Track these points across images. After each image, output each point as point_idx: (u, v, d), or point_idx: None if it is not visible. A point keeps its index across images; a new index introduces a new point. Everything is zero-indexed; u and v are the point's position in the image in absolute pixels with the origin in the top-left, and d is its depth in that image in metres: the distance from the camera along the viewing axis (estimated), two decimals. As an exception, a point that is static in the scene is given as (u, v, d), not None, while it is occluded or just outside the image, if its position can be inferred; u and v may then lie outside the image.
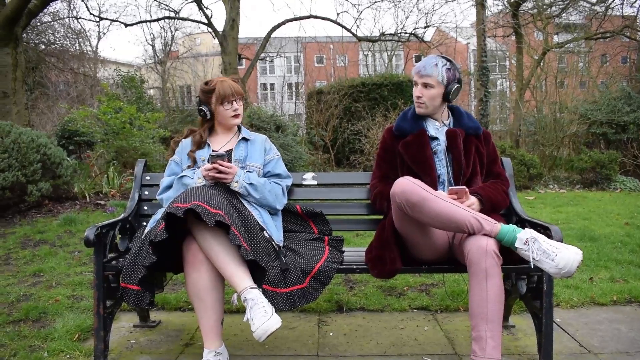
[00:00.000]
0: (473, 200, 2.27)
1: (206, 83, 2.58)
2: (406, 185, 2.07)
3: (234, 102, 2.53)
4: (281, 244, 2.33)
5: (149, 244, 2.04)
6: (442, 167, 2.44)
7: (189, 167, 2.50)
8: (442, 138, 2.48)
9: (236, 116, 2.55)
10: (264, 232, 2.24)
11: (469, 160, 2.45)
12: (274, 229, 2.36)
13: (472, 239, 2.03)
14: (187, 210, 2.02)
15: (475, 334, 1.97)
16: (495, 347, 1.93)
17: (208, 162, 2.32)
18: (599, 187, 8.73)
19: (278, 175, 2.58)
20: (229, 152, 2.54)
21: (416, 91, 2.46)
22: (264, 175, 2.55)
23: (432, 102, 2.44)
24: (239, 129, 2.66)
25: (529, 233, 1.99)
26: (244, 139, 2.61)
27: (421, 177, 2.33)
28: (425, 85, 2.43)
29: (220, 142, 2.60)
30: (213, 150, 2.49)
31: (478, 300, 1.98)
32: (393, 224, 2.26)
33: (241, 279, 2.07)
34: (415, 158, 2.44)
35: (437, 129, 2.51)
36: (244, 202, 2.34)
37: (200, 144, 2.56)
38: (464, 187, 2.25)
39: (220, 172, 2.29)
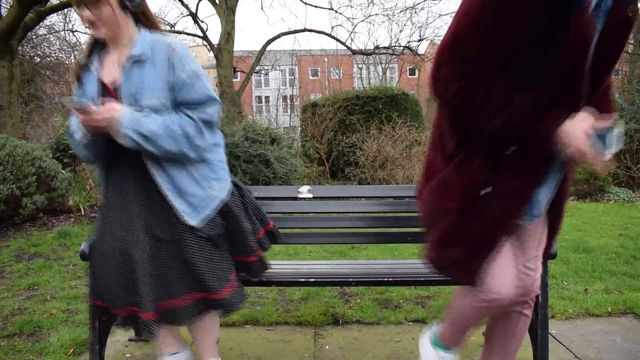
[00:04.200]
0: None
1: None
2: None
3: (82, 7, 1.74)
4: (199, 223, 1.84)
5: None
6: None
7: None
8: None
9: (91, 27, 1.79)
10: (169, 202, 1.81)
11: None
12: (189, 195, 1.83)
13: None
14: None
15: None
16: None
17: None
18: (593, 198, 8.77)
19: (194, 104, 1.83)
20: (117, 87, 1.82)
21: None
22: (176, 108, 1.85)
23: None
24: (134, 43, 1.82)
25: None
26: (138, 61, 1.80)
27: (568, 96, 1.42)
28: None
29: (111, 66, 1.86)
30: (77, 98, 1.87)
31: (502, 333, 1.84)
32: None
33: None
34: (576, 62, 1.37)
35: None
36: (151, 168, 1.81)
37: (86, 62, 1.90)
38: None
39: (91, 120, 1.73)
